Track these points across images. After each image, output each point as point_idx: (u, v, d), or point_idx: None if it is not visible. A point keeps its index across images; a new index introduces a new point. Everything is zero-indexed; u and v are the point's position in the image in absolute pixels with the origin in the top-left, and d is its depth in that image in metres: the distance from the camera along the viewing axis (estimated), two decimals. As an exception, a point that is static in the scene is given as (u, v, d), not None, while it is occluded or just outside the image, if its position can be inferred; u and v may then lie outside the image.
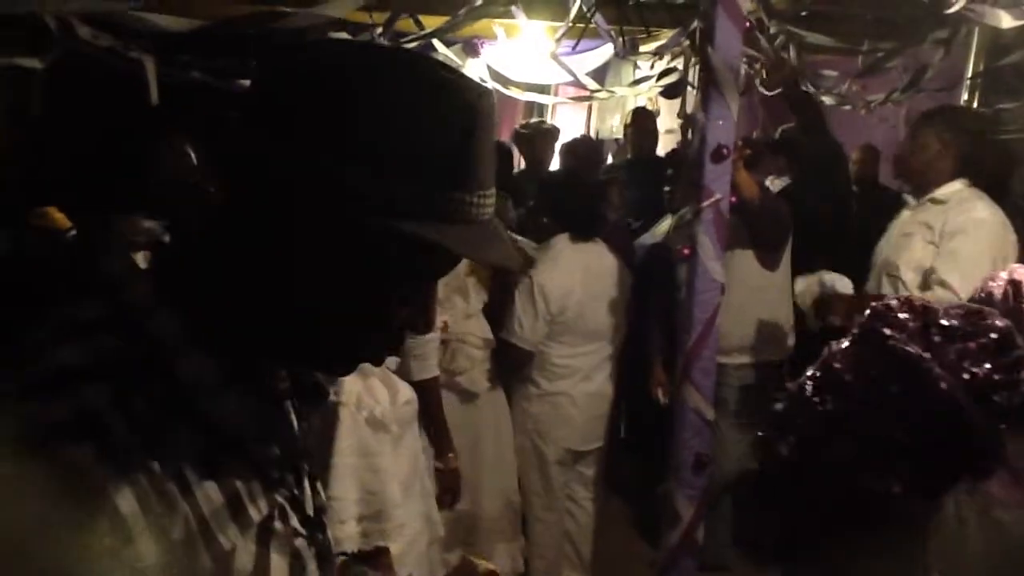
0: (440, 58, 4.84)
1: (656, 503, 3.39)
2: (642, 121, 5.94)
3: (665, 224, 4.11)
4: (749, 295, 3.73)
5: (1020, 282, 1.62)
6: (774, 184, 4.99)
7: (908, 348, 0.96)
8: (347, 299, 0.87)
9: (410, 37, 3.95)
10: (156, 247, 0.95)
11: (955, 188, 3.25)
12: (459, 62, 5.23)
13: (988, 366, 0.95)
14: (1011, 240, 3.18)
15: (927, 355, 0.95)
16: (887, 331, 0.98)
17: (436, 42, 4.34)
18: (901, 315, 0.99)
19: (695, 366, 3.01)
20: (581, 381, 3.81)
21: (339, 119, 0.81)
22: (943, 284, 3.07)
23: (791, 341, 4.01)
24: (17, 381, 0.78)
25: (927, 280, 3.15)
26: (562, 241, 3.78)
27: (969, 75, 4.79)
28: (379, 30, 3.83)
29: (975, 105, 4.84)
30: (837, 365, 1.00)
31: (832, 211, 4.74)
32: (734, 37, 2.81)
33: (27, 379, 0.78)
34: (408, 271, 0.87)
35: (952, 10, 2.82)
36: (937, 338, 0.97)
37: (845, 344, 1.03)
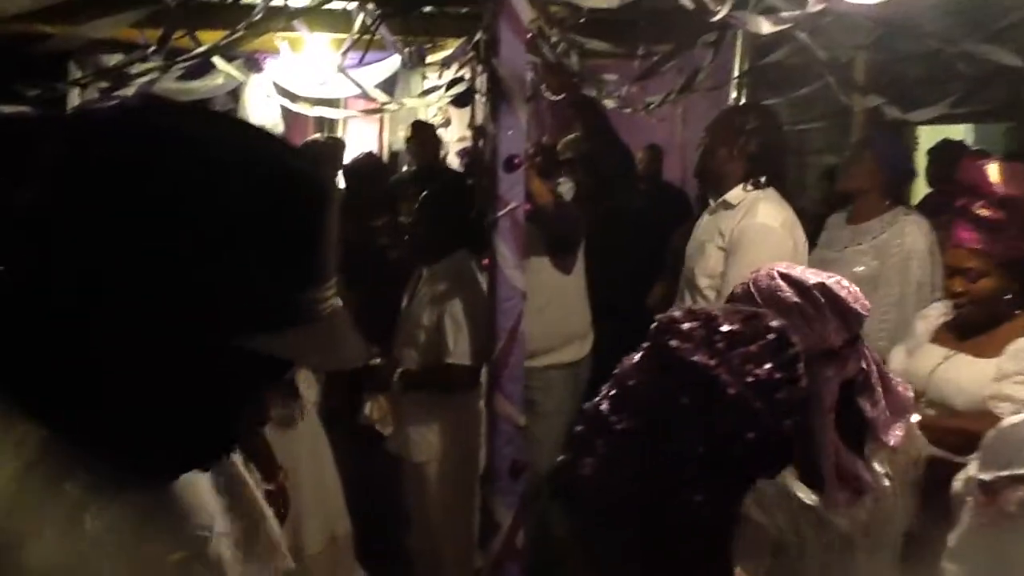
0: (221, 74, 4.70)
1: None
2: (420, 133, 6.02)
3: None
4: (548, 299, 3.80)
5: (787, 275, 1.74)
6: (564, 188, 5.10)
7: (695, 358, 0.99)
8: (189, 415, 0.78)
9: (188, 54, 3.78)
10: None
11: (743, 191, 3.32)
12: (242, 78, 5.09)
13: (769, 365, 1.00)
14: (796, 240, 3.26)
15: (713, 362, 0.99)
16: (674, 343, 1.01)
17: (217, 59, 4.19)
18: (685, 325, 1.02)
19: (503, 374, 3.04)
20: None
21: (184, 223, 0.72)
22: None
23: (590, 341, 4.13)
24: None
25: (720, 287, 3.29)
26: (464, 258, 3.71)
27: (736, 74, 5.08)
28: (152, 48, 3.64)
29: (742, 101, 5.13)
30: (631, 382, 1.02)
31: (627, 212, 4.92)
32: (518, 48, 2.84)
33: None
34: (256, 383, 0.82)
35: (717, 18, 2.98)
36: (720, 344, 1.01)
37: (636, 359, 1.05)
